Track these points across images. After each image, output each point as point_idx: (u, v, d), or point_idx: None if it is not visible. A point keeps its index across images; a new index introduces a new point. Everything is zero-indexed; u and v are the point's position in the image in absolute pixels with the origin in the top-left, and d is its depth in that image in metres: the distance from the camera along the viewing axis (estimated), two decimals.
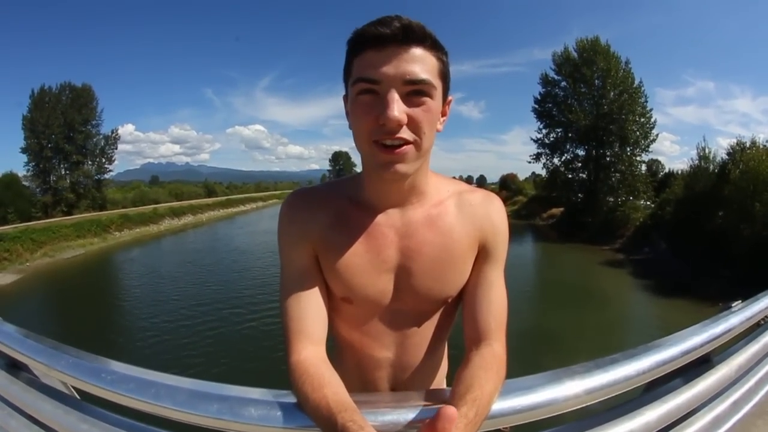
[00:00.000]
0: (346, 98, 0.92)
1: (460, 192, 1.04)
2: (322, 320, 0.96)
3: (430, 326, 1.06)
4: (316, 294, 0.97)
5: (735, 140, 21.23)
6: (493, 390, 0.84)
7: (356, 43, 0.85)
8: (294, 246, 0.99)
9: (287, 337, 0.93)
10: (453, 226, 0.99)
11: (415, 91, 0.84)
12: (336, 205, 1.00)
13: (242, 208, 59.12)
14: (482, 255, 1.02)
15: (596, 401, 0.97)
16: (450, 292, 1.01)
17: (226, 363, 10.04)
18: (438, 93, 0.87)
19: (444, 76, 0.89)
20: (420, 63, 0.83)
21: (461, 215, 1.01)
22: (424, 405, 0.87)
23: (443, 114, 0.92)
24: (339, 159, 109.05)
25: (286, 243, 1.00)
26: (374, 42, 0.82)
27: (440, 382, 1.20)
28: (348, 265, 0.97)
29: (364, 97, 0.84)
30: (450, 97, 0.94)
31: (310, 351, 0.90)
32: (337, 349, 1.13)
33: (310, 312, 0.95)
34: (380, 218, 0.98)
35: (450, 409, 0.68)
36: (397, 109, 0.81)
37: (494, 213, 1.03)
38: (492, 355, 0.92)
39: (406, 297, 1.00)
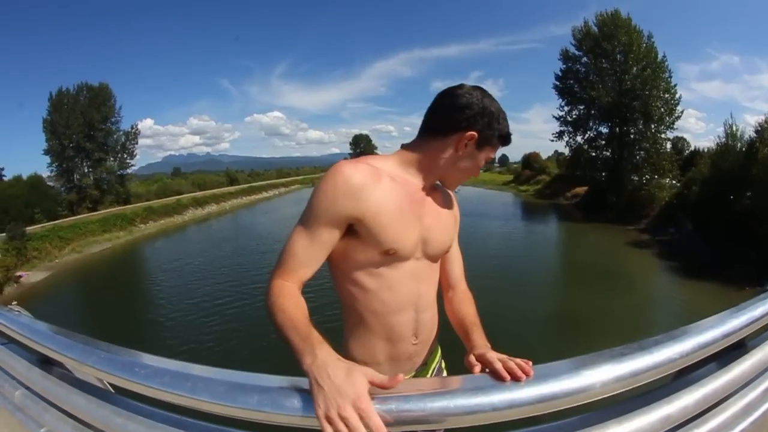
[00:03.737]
0: (459, 134, 1.24)
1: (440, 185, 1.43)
2: (313, 271, 1.20)
3: (433, 273, 1.40)
4: (322, 251, 1.20)
5: (763, 117, 20.47)
6: (474, 309, 1.42)
7: (502, 137, 1.30)
8: (331, 209, 1.17)
9: (281, 266, 1.17)
10: (446, 200, 1.42)
11: None
12: (385, 179, 1.23)
13: (265, 194, 59.28)
14: None
15: (630, 387, 0.97)
16: (450, 242, 1.42)
17: (257, 346, 10.23)
18: None
19: None
20: None
21: (447, 197, 1.43)
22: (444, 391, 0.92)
23: None
24: (360, 142, 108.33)
25: (324, 203, 1.17)
26: (505, 143, 1.32)
27: (437, 329, 1.48)
28: (396, 220, 1.22)
29: (481, 158, 1.30)
30: None
31: (294, 283, 1.15)
32: (358, 309, 1.31)
33: (308, 261, 1.18)
34: (419, 189, 1.31)
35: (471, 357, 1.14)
36: None
37: (455, 199, 1.49)
38: (462, 291, 1.51)
39: (427, 247, 1.32)
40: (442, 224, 1.36)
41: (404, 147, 1.34)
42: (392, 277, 1.27)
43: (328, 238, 1.19)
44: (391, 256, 1.24)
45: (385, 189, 1.21)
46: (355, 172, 1.18)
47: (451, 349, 1.53)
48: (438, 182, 1.38)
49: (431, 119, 1.30)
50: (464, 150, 1.26)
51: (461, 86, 1.28)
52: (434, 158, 1.29)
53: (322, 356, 0.87)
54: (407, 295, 1.31)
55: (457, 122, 1.24)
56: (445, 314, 1.49)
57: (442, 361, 1.54)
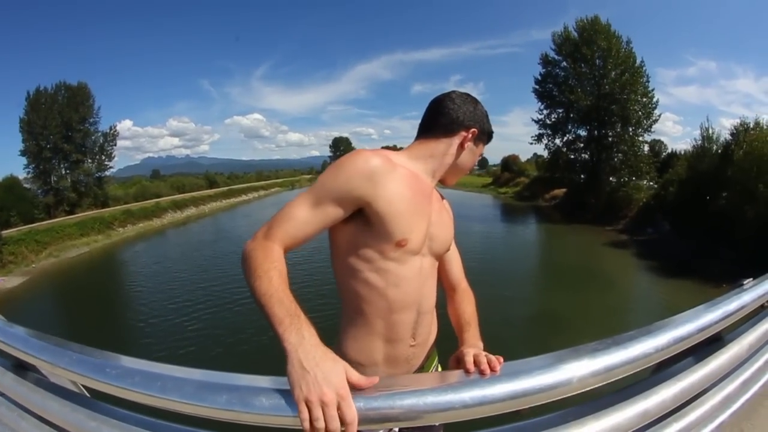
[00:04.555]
0: (464, 135, 1.36)
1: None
2: (303, 242, 1.18)
3: (434, 273, 1.41)
4: (319, 225, 1.18)
5: (738, 121, 20.98)
6: (473, 308, 1.47)
7: (490, 136, 1.46)
8: (345, 187, 1.16)
9: (274, 225, 1.15)
10: (444, 203, 1.49)
11: None
12: (405, 171, 1.27)
13: (244, 197, 58.58)
14: None
15: (606, 382, 0.97)
16: (450, 241, 1.47)
17: (238, 348, 10.21)
18: None
19: None
20: None
21: (443, 200, 1.49)
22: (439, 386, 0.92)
23: None
24: (340, 145, 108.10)
25: (339, 180, 1.17)
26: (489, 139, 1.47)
27: (435, 334, 1.48)
28: (411, 211, 1.24)
29: (477, 152, 1.44)
30: None
31: (281, 248, 1.11)
32: (358, 306, 1.28)
33: (304, 230, 1.16)
34: (430, 188, 1.38)
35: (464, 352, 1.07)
36: None
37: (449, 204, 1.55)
38: (463, 289, 1.55)
39: (432, 243, 1.34)
40: (444, 222, 1.41)
41: (411, 145, 1.39)
42: (399, 273, 1.25)
43: (333, 213, 1.17)
44: (401, 249, 1.22)
45: (401, 179, 1.23)
46: (374, 157, 1.20)
47: (449, 354, 1.53)
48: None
49: (434, 120, 1.37)
50: (466, 145, 1.37)
51: (454, 92, 1.40)
52: (441, 154, 1.36)
53: (310, 339, 0.87)
54: (412, 294, 1.29)
55: (461, 122, 1.35)
56: (444, 319, 1.50)
57: (439, 366, 1.53)
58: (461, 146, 1.37)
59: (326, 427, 0.78)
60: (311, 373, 0.81)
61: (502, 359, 1.00)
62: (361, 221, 1.20)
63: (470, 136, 1.36)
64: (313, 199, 1.17)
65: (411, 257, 1.26)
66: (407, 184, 1.24)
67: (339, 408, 0.79)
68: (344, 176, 1.17)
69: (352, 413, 0.80)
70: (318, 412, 0.78)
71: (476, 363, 1.00)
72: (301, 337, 0.86)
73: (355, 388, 0.85)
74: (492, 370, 0.97)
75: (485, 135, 1.43)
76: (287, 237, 1.14)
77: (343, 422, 0.79)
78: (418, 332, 1.33)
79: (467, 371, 0.99)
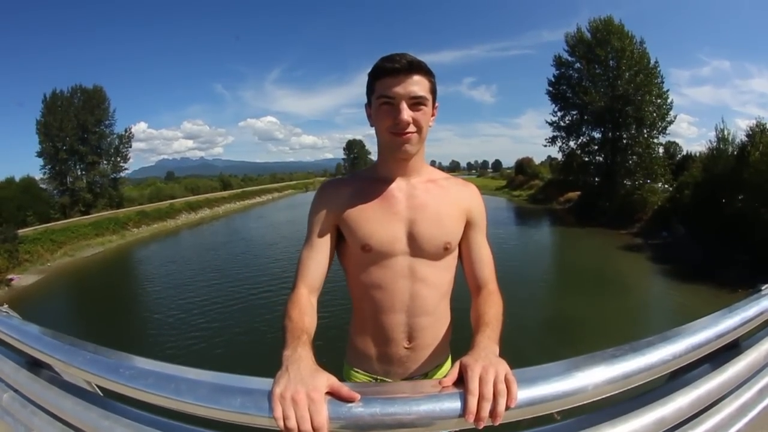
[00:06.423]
0: (368, 106, 1.36)
1: (447, 177, 1.48)
2: (321, 274, 1.33)
3: (434, 276, 1.38)
4: (323, 256, 1.34)
5: (754, 121, 20.53)
6: (497, 311, 1.22)
7: (378, 72, 1.28)
8: (318, 219, 1.36)
9: (295, 276, 1.31)
10: (446, 193, 1.41)
11: (416, 103, 1.27)
12: (356, 183, 1.40)
13: (258, 199, 59.11)
14: (469, 225, 1.43)
15: (622, 389, 0.95)
16: (447, 237, 1.37)
17: (252, 348, 10.24)
18: (429, 102, 1.31)
19: (433, 91, 1.32)
20: (419, 85, 1.27)
21: (450, 190, 1.43)
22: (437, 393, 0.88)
23: (433, 115, 1.35)
24: (353, 147, 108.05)
25: (313, 216, 1.37)
26: (390, 72, 1.25)
27: (446, 340, 1.48)
28: (366, 217, 1.34)
29: (385, 107, 1.28)
30: (437, 104, 1.36)
31: (305, 291, 1.26)
32: (356, 306, 1.45)
33: (314, 266, 1.32)
34: (392, 186, 1.38)
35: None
36: (406, 114, 1.26)
37: (474, 194, 1.47)
38: (488, 292, 1.34)
39: (415, 243, 1.35)
40: (431, 217, 1.36)
41: None
42: (381, 275, 1.36)
43: (325, 243, 1.35)
44: (371, 253, 1.34)
45: (356, 191, 1.38)
46: (328, 184, 1.45)
47: None
48: (442, 177, 1.47)
49: None
50: (372, 114, 1.34)
51: None
52: (378, 142, 1.40)
53: (300, 352, 0.94)
54: (398, 297, 1.36)
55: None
56: (459, 327, 1.49)
57: None
58: (370, 119, 1.36)
59: (298, 427, 0.80)
60: (290, 374, 0.87)
61: (513, 391, 0.85)
62: (342, 236, 1.38)
63: (368, 109, 1.36)
64: (307, 241, 1.36)
65: (389, 260, 1.35)
66: (363, 195, 1.37)
67: (309, 410, 0.81)
68: (314, 209, 1.38)
69: (319, 418, 0.81)
70: (289, 411, 0.81)
71: (481, 381, 0.85)
72: (293, 351, 0.95)
73: (338, 398, 0.85)
74: (492, 418, 0.83)
75: (372, 83, 1.32)
76: (306, 279, 1.30)
77: (311, 424, 0.80)
78: (415, 335, 1.39)
79: (441, 384, 0.89)
